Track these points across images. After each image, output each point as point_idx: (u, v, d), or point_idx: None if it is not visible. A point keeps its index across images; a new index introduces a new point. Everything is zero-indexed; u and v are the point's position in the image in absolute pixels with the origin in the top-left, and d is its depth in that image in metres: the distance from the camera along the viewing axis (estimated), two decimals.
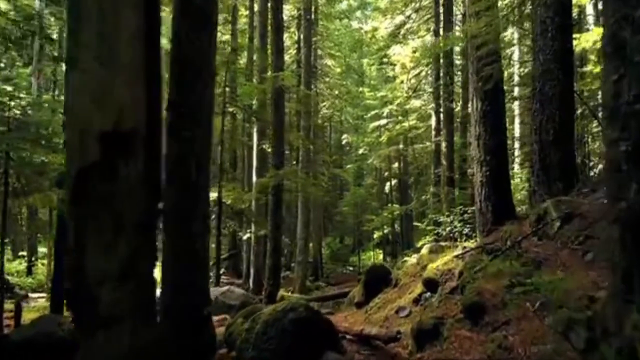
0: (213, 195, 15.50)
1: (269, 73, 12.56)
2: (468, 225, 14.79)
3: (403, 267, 10.40)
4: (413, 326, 5.49)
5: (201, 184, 4.79)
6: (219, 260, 14.50)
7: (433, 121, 19.38)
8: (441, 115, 18.89)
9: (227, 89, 15.41)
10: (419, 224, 13.98)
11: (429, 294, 7.27)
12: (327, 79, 26.48)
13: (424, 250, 14.53)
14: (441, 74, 18.75)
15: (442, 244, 14.92)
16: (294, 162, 24.55)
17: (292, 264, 22.46)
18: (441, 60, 19.17)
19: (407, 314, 7.20)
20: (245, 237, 17.77)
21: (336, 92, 27.47)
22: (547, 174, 9.20)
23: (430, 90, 22.56)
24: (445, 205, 17.63)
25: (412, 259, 16.35)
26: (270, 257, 12.57)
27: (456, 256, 7.60)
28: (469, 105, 8.06)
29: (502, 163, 7.94)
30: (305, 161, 19.50)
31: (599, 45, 13.39)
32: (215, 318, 12.13)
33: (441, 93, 18.49)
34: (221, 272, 24.09)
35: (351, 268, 31.61)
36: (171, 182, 4.70)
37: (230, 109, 16.64)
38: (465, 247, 7.89)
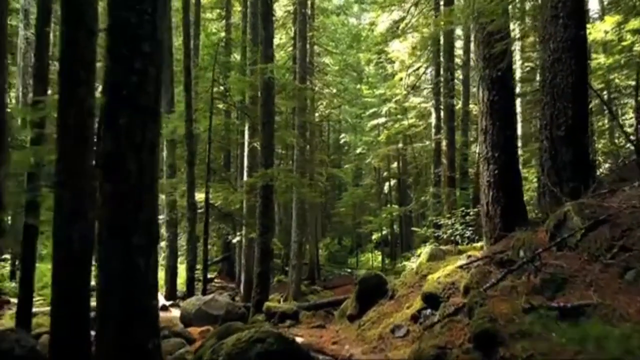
0: (200, 196, 14.55)
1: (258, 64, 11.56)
2: (470, 228, 13.82)
3: (401, 276, 9.43)
4: (410, 356, 4.48)
5: (145, 185, 3.79)
6: (206, 267, 13.54)
7: (433, 118, 18.38)
8: (442, 112, 17.89)
9: (215, 83, 14.45)
10: (418, 229, 12.93)
11: (429, 310, 6.27)
12: (325, 77, 25.45)
13: (423, 256, 13.52)
14: (442, 70, 17.73)
15: (443, 248, 13.92)
16: (290, 162, 23.59)
17: (287, 267, 21.44)
18: (441, 56, 18.17)
19: (405, 333, 6.20)
20: (235, 241, 16.76)
21: (334, 91, 26.47)
22: (559, 173, 8.24)
23: (430, 86, 21.57)
24: (446, 207, 16.63)
25: (411, 264, 15.39)
26: (258, 264, 11.57)
27: (460, 267, 6.60)
28: (477, 94, 7.04)
29: (511, 160, 6.94)
30: (300, 160, 18.48)
31: (610, 36, 12.40)
32: (197, 330, 11.17)
33: (441, 89, 17.47)
34: (214, 275, 23.15)
35: (349, 270, 30.63)
36: (107, 181, 3.72)
37: (221, 106, 15.66)
38: (470, 256, 6.89)
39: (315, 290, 20.24)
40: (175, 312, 15.60)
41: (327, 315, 11.47)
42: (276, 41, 25.88)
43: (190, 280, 13.17)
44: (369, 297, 8.49)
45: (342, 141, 35.10)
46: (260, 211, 11.65)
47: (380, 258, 30.23)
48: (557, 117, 8.28)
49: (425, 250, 14.05)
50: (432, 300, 6.20)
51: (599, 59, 12.43)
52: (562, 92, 8.27)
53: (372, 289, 8.52)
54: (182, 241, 22.41)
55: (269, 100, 11.78)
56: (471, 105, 22.75)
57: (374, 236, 31.74)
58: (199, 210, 14.50)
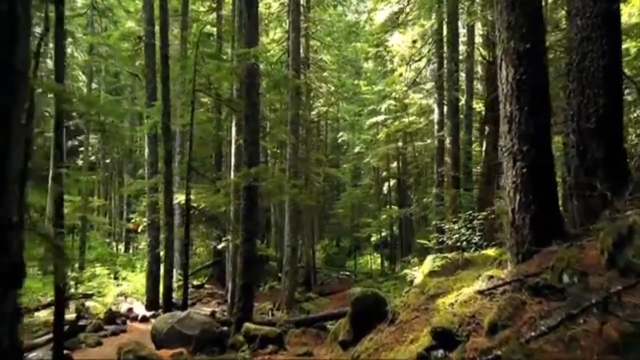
0: (181, 197, 13.01)
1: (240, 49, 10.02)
2: (478, 234, 12.29)
3: (402, 293, 7.88)
4: None
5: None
6: (186, 277, 12.00)
7: (436, 114, 16.83)
8: (445, 107, 16.34)
9: (199, 75, 12.91)
10: (425, 242, 11.36)
11: (440, 351, 4.71)
12: (322, 74, 23.86)
13: (427, 265, 11.98)
14: (445, 62, 16.17)
15: (449, 255, 12.38)
16: (284, 161, 22.04)
17: (280, 274, 19.89)
18: (445, 46, 16.61)
19: None
20: (220, 247, 15.20)
21: (332, 88, 24.92)
22: (589, 172, 6.72)
23: (432, 81, 20.04)
24: (450, 209, 15.08)
25: (413, 272, 13.82)
26: (240, 275, 10.03)
27: (481, 292, 5.04)
28: (499, 73, 5.44)
29: (544, 155, 5.39)
30: (293, 159, 16.92)
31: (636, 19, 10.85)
32: (168, 352, 9.63)
33: (445, 82, 15.92)
34: (204, 281, 21.60)
35: (347, 273, 29.08)
36: None
37: (205, 100, 14.12)
38: (491, 277, 5.33)
39: (310, 298, 18.72)
40: None
41: (319, 334, 9.94)
42: (271, 35, 24.37)
43: (168, 290, 11.59)
44: (365, 320, 6.95)
45: (340, 140, 33.57)
46: (243, 215, 10.12)
47: (379, 261, 28.68)
48: (586, 106, 6.80)
49: (428, 258, 12.51)
50: (445, 338, 4.65)
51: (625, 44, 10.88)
52: (592, 77, 6.78)
53: (368, 311, 6.98)
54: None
55: (253, 90, 10.23)
56: (475, 102, 21.27)
57: (373, 238, 30.19)
58: (177, 213, 12.95)
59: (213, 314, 11.55)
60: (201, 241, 22.76)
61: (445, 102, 16.20)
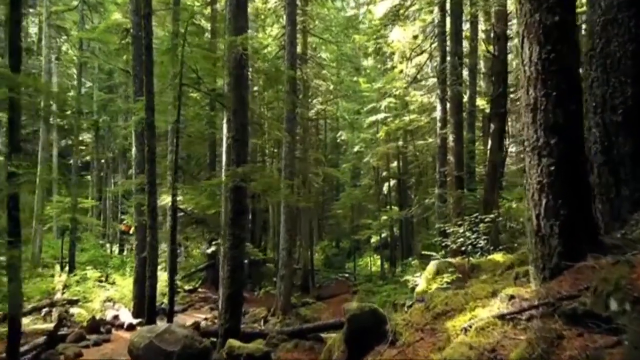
0: (167, 199, 12.07)
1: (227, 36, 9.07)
2: (484, 237, 11.35)
3: (404, 308, 6.95)
4: None
5: None
6: (172, 286, 11.06)
7: (438, 111, 15.86)
8: (447, 103, 15.37)
9: (187, 68, 11.97)
10: (434, 254, 10.38)
11: None
12: (321, 71, 22.88)
13: (429, 271, 11.03)
14: (448, 56, 15.20)
15: (452, 261, 11.42)
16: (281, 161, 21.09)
17: (275, 278, 18.94)
18: (448, 41, 15.63)
19: None
20: (209, 251, 14.25)
21: (331, 86, 23.94)
22: (615, 171, 5.84)
23: (434, 77, 19.09)
24: (453, 211, 14.13)
25: (415, 278, 12.86)
26: (227, 284, 9.08)
27: (501, 317, 4.10)
28: (520, 53, 4.47)
29: (576, 150, 4.44)
30: (289, 158, 15.97)
31: None
32: None
33: (448, 77, 14.95)
34: (197, 284, 20.65)
35: (347, 274, 28.13)
36: None
37: (195, 95, 13.18)
38: (512, 297, 4.38)
39: (307, 303, 17.79)
40: None
41: (313, 347, 9.00)
42: (268, 31, 23.43)
43: (151, 299, 10.65)
44: (362, 340, 6.01)
45: (339, 140, 32.64)
46: (230, 218, 9.18)
47: (379, 262, 27.70)
48: (611, 96, 5.94)
49: (431, 264, 11.55)
50: None
51: None
52: (619, 64, 5.92)
53: (366, 330, 6.04)
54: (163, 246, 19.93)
55: (241, 82, 9.30)
56: (478, 100, 20.30)
57: (373, 239, 29.25)
58: (161, 216, 12.01)
59: (197, 326, 10.58)
60: (197, 243, 21.84)
61: (448, 99, 15.23)
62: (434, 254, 9.15)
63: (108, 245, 27.70)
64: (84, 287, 16.63)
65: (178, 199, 12.60)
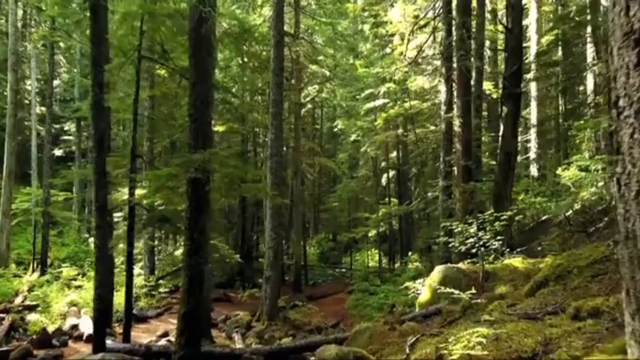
0: (124, 192, 10.05)
1: None
2: (499, 238, 9.31)
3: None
4: None
5: None
6: (129, 300, 9.09)
7: (443, 93, 13.76)
8: (454, 84, 13.27)
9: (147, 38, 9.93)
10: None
11: None
12: (317, 57, 20.69)
13: (435, 278, 9.01)
14: (454, 28, 13.07)
15: (462, 267, 9.40)
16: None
17: (260, 280, 16.97)
18: (454, 13, 13.47)
19: None
20: (177, 253, 12.22)
21: (327, 73, 21.80)
22: None
23: (437, 58, 16.98)
24: (459, 206, 12.10)
25: (416, 285, 10.84)
26: (183, 300, 7.08)
27: None
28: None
29: None
30: (276, 147, 13.93)
31: None
32: None
33: (454, 53, 12.84)
34: (173, 287, 18.54)
35: (343, 270, 26.16)
36: None
37: (162, 71, 11.12)
38: None
39: (296, 305, 15.78)
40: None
41: None
42: (258, 11, 21.24)
43: (102, 313, 8.64)
44: None
45: (336, 129, 30.53)
46: (188, 218, 7.14)
47: (377, 257, 25.67)
48: None
49: (436, 270, 9.53)
50: None
51: None
52: None
53: None
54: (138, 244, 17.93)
55: (202, 46, 7.23)
56: (486, 84, 18.21)
57: (371, 233, 27.22)
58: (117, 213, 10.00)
59: (148, 349, 8.54)
60: (163, 244, 19.87)
61: (455, 78, 13.14)
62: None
63: (92, 239, 25.70)
64: (50, 288, 14.64)
65: (141, 192, 10.59)
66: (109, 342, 9.89)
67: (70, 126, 28.32)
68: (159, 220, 9.59)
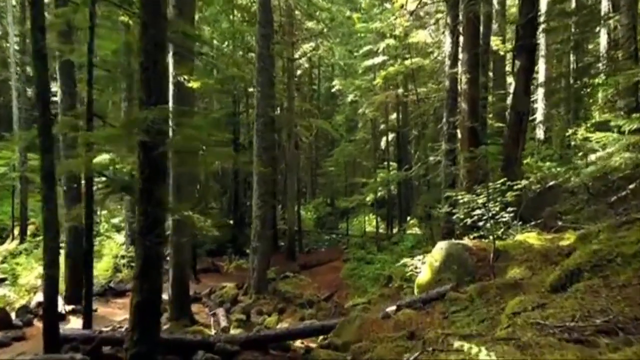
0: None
1: None
2: (510, 210, 8.01)
3: None
4: None
5: None
6: (89, 275, 7.88)
7: (447, 45, 12.14)
8: (461, 36, 11.63)
9: None
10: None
11: None
12: (313, 11, 18.83)
13: (437, 256, 7.75)
14: None
15: (469, 243, 8.11)
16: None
17: (247, 249, 15.79)
18: None
19: None
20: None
21: (325, 30, 19.98)
22: None
23: (441, 3, 15.24)
24: (464, 172, 10.68)
25: (415, 262, 9.57)
26: (135, 288, 5.80)
27: None
28: None
29: None
30: (263, 106, 12.46)
31: None
32: None
33: None
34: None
35: (340, 235, 25.00)
36: None
37: (125, 18, 9.56)
38: None
39: (287, 276, 14.64)
40: (76, 323, 10.03)
41: None
42: None
43: (53, 297, 7.37)
44: None
45: (334, 89, 28.78)
46: (139, 189, 5.78)
47: (375, 222, 24.46)
48: None
49: (438, 247, 8.24)
50: None
51: None
52: None
53: None
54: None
55: None
56: (492, 38, 16.47)
57: (368, 197, 25.93)
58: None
59: (99, 343, 7.29)
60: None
61: (461, 29, 11.48)
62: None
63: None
64: (21, 259, 13.48)
65: (102, 157, 9.22)
66: (69, 326, 8.73)
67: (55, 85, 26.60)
68: (122, 189, 8.24)
